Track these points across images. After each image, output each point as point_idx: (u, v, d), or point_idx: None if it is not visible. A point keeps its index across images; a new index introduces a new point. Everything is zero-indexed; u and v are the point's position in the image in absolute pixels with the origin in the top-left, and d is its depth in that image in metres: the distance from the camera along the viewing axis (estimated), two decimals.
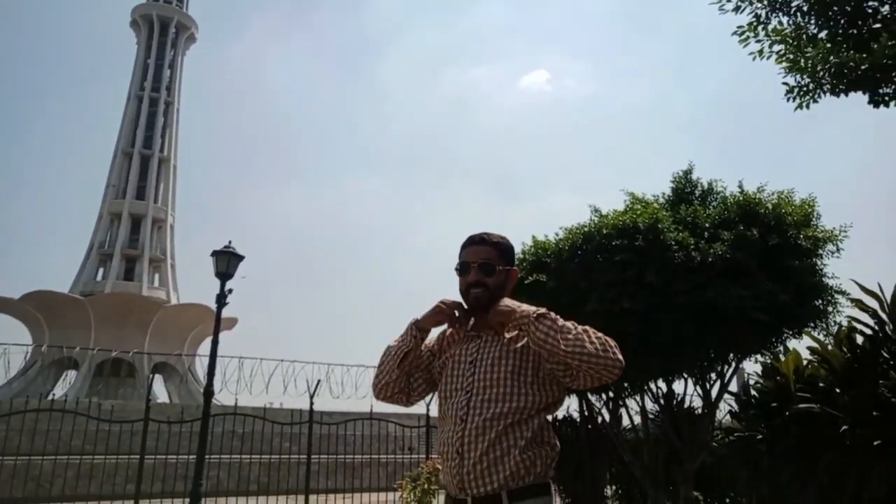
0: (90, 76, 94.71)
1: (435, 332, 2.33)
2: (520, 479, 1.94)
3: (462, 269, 2.24)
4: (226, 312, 10.97)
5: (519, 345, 2.08)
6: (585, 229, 7.88)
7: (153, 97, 47.75)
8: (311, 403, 13.70)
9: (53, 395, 31.62)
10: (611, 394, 8.96)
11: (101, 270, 45.16)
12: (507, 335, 2.11)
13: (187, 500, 9.44)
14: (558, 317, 2.05)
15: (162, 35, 49.34)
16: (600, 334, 1.98)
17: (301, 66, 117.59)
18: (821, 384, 5.81)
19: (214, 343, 10.74)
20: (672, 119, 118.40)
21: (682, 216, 7.53)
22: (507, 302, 2.12)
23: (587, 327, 2.00)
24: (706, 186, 8.64)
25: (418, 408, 16.22)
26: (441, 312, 2.24)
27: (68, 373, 39.88)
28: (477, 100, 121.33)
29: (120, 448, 13.40)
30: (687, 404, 8.89)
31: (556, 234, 8.31)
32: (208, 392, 10.56)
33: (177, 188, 48.27)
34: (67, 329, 37.18)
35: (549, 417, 2.16)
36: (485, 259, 2.20)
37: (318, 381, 14.52)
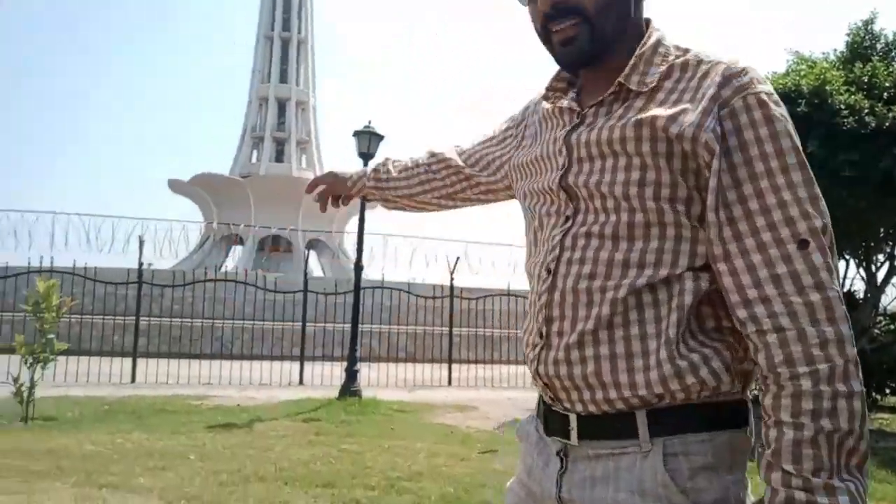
0: None
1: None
2: (670, 396, 0.93)
3: None
4: None
5: (652, 113, 0.97)
6: None
7: None
8: (452, 279, 14.30)
9: (226, 267, 35.43)
10: None
11: (254, 153, 48.41)
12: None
13: (345, 363, 10.41)
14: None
15: None
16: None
17: None
18: None
19: (361, 221, 11.33)
20: None
21: (856, 76, 6.65)
22: None
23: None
24: (891, 38, 7.49)
25: None
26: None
27: (235, 248, 44.25)
28: None
29: (284, 316, 14.92)
30: (847, 287, 8.30)
31: None
32: (358, 266, 11.30)
33: (316, 69, 49.63)
34: (231, 208, 40.74)
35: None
36: None
37: (458, 258, 15.05)
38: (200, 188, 43.21)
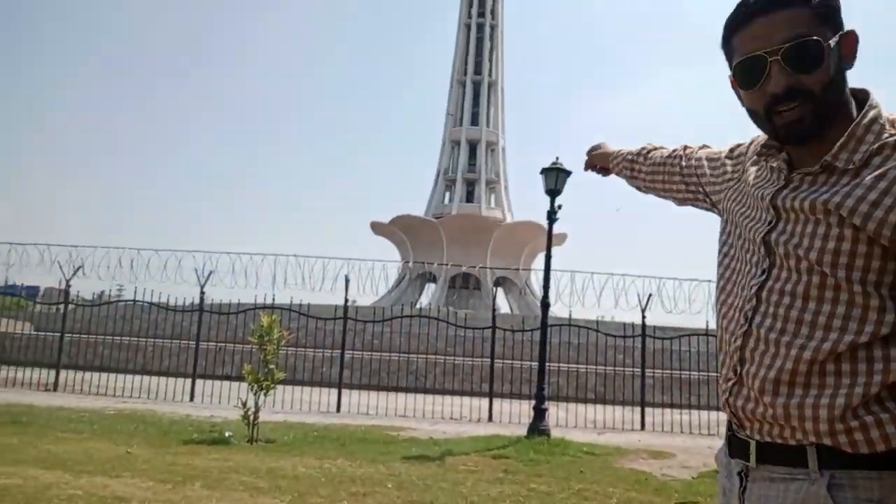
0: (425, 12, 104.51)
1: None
2: (845, 444, 1.03)
3: (747, 71, 1.14)
4: (556, 228, 11.47)
5: (853, 196, 1.05)
6: None
7: (479, 23, 50.35)
8: (643, 317, 13.73)
9: (420, 304, 37.26)
10: None
11: (447, 194, 50.76)
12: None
13: (532, 401, 10.40)
14: None
15: None
16: None
17: None
18: None
19: (548, 257, 11.37)
20: None
21: None
22: None
23: None
24: None
25: None
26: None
27: (428, 285, 46.40)
28: None
29: (474, 351, 15.33)
30: None
31: None
32: (545, 303, 11.31)
33: (505, 110, 51.10)
34: (425, 247, 42.92)
35: None
36: (796, 37, 1.08)
37: (650, 295, 14.44)
38: (398, 229, 46.17)
